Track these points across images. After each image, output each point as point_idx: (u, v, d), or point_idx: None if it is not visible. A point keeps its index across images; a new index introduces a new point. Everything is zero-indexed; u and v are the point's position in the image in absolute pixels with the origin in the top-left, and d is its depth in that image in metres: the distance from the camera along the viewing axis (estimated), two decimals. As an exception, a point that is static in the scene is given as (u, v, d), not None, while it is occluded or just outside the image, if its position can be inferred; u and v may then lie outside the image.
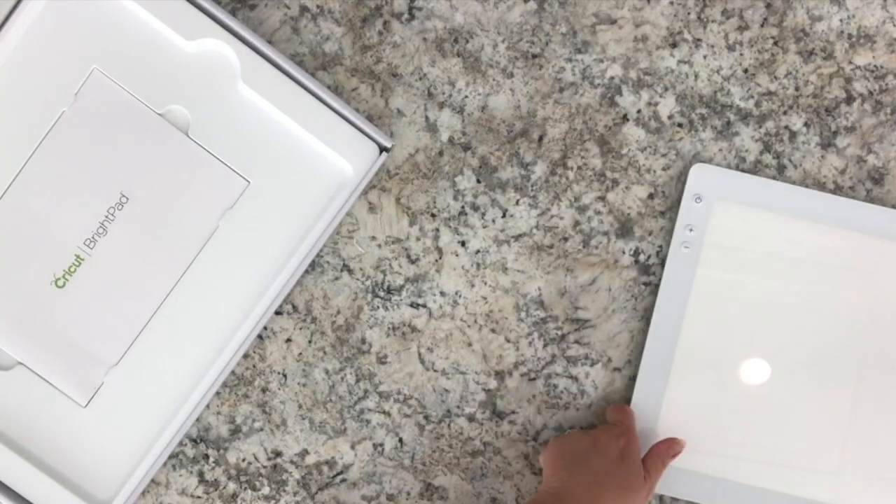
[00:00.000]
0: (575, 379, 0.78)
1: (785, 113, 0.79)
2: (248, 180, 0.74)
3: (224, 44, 0.72)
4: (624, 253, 0.79)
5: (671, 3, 0.78)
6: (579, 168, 0.79)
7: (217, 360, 0.74)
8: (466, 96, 0.78)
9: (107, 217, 0.73)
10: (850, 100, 0.79)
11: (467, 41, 0.78)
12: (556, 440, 0.74)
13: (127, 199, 0.73)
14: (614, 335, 0.79)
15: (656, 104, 0.79)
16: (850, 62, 0.79)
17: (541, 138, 0.78)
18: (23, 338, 0.73)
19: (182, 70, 0.73)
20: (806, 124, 0.79)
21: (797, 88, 0.79)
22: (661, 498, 0.78)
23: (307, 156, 0.74)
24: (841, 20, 0.78)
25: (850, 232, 0.77)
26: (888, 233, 0.77)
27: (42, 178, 0.72)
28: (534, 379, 0.79)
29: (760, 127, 0.78)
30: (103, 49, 0.72)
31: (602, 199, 0.79)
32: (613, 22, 0.78)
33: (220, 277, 0.74)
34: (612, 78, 0.78)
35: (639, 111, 0.79)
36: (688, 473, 0.77)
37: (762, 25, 0.79)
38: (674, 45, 0.78)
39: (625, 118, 0.79)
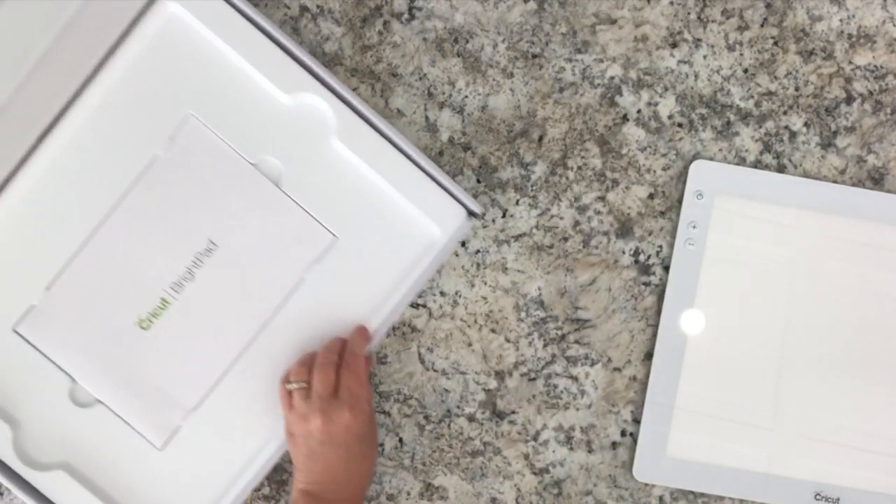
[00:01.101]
0: (575, 379, 0.78)
1: (785, 113, 0.79)
2: (336, 235, 0.74)
3: (321, 99, 0.72)
4: (624, 253, 0.79)
5: (671, 3, 0.78)
6: (579, 168, 0.79)
7: None
8: (466, 96, 0.78)
9: (194, 262, 0.73)
10: (850, 100, 0.79)
11: (467, 41, 0.78)
12: (287, 417, 0.71)
13: (215, 245, 0.73)
14: (614, 335, 0.79)
15: (656, 104, 0.79)
16: (850, 62, 0.79)
17: (541, 138, 0.79)
18: (103, 376, 0.73)
19: (277, 122, 0.73)
20: (806, 124, 0.79)
21: (797, 88, 0.79)
22: (661, 498, 0.78)
23: (396, 215, 0.74)
24: (841, 20, 0.78)
25: (853, 220, 0.77)
26: (891, 218, 0.77)
27: (132, 221, 0.72)
28: (534, 379, 0.79)
29: (760, 127, 0.78)
30: (200, 96, 0.72)
31: (602, 199, 0.79)
32: (613, 22, 0.78)
33: (303, 328, 0.74)
34: (612, 78, 0.78)
35: (639, 111, 0.79)
36: (706, 466, 0.77)
37: (762, 25, 0.79)
38: (674, 45, 0.79)
39: (625, 118, 0.79)
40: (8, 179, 0.72)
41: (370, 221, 0.74)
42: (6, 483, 0.71)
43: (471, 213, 0.74)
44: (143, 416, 0.73)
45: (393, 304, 0.74)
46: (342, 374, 0.70)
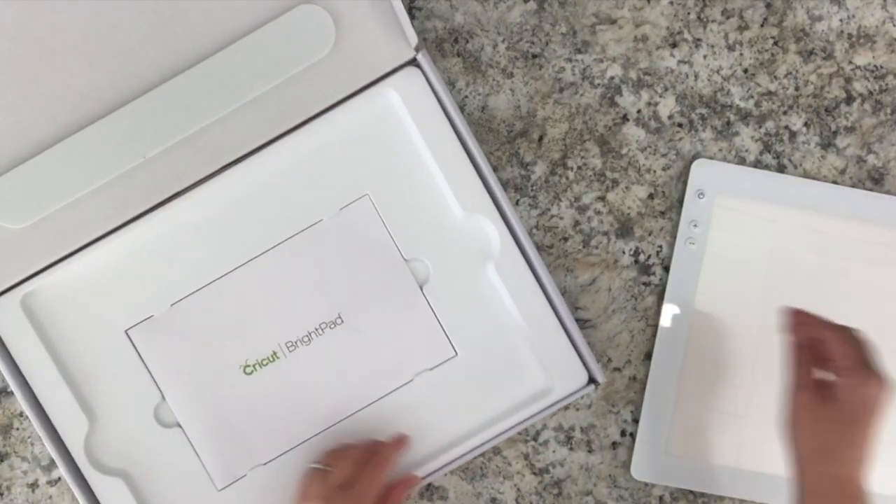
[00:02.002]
0: (575, 379, 0.78)
1: (785, 113, 0.79)
2: (456, 352, 0.74)
3: (493, 227, 0.73)
4: (624, 253, 0.79)
5: (671, 3, 0.78)
6: (579, 168, 0.79)
7: None
8: (466, 96, 0.78)
9: (316, 329, 0.73)
10: (850, 100, 0.79)
11: (467, 41, 0.78)
12: (297, 491, 0.70)
13: (342, 321, 0.73)
14: (614, 335, 0.79)
15: (656, 104, 0.79)
16: (850, 62, 0.79)
17: (541, 138, 0.78)
18: (192, 404, 0.73)
19: (444, 231, 0.73)
20: (806, 124, 0.79)
21: (797, 88, 0.79)
22: (661, 498, 0.78)
23: (520, 355, 0.74)
24: (841, 20, 0.78)
25: (853, 221, 0.77)
26: (892, 221, 0.77)
27: (274, 270, 0.73)
28: (534, 379, 0.78)
29: (760, 127, 0.79)
30: (383, 181, 0.73)
31: (602, 199, 0.79)
32: (613, 22, 0.78)
33: (391, 426, 0.74)
34: (612, 78, 0.78)
35: (639, 111, 0.79)
36: (703, 465, 0.77)
37: (762, 25, 0.79)
38: (674, 45, 0.79)
39: (625, 118, 0.79)
40: (180, 193, 0.72)
41: (493, 351, 0.74)
42: (64, 473, 0.71)
43: (591, 380, 0.74)
44: (215, 455, 0.73)
45: (485, 437, 0.74)
46: (363, 471, 0.69)
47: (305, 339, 0.73)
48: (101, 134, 0.70)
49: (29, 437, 0.78)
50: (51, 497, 0.78)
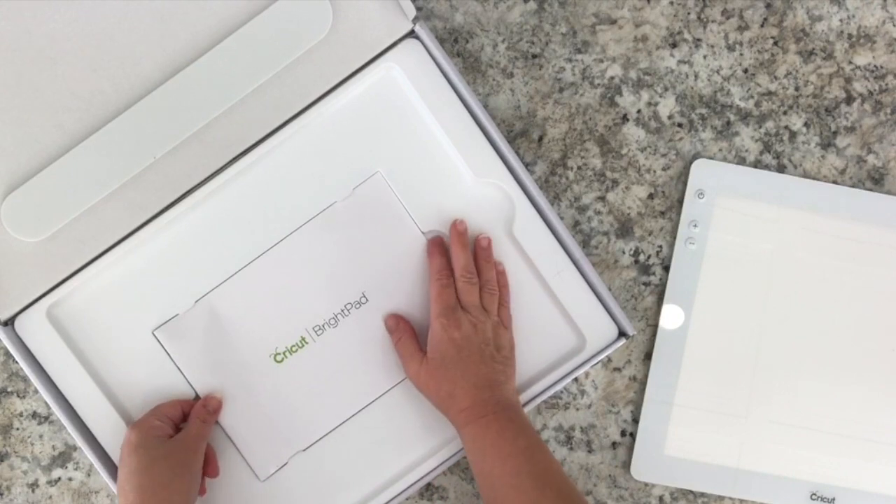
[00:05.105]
0: (575, 379, 0.78)
1: (785, 113, 0.79)
2: None
3: (508, 191, 0.73)
4: (624, 253, 0.79)
5: (671, 3, 0.78)
6: (579, 168, 0.79)
7: (396, 484, 0.74)
8: (466, 96, 0.78)
9: (342, 311, 0.73)
10: (850, 100, 0.79)
11: (467, 41, 0.78)
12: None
13: (367, 300, 0.73)
14: (614, 335, 0.79)
15: (656, 104, 0.79)
16: (850, 62, 0.79)
17: (541, 138, 0.78)
18: (226, 398, 0.73)
19: (460, 201, 0.73)
20: (806, 124, 0.79)
21: (797, 88, 0.79)
22: (661, 498, 0.78)
23: (548, 316, 0.74)
24: (841, 20, 0.78)
25: (853, 221, 0.77)
26: (892, 221, 0.77)
27: (294, 257, 0.73)
28: (534, 379, 0.78)
29: (760, 127, 0.79)
30: (393, 157, 0.73)
31: (602, 199, 0.79)
32: (613, 22, 0.78)
33: (429, 408, 0.73)
34: (612, 78, 0.78)
35: (639, 111, 0.79)
36: (703, 465, 0.77)
37: (762, 25, 0.79)
38: (674, 45, 0.79)
39: (625, 118, 0.79)
40: (193, 189, 0.72)
41: (520, 314, 0.74)
42: (107, 479, 0.71)
43: (622, 334, 0.74)
44: (255, 447, 0.73)
45: (523, 400, 0.74)
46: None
47: (332, 321, 0.73)
48: (109, 138, 0.70)
49: (29, 437, 0.78)
50: (51, 497, 0.78)
